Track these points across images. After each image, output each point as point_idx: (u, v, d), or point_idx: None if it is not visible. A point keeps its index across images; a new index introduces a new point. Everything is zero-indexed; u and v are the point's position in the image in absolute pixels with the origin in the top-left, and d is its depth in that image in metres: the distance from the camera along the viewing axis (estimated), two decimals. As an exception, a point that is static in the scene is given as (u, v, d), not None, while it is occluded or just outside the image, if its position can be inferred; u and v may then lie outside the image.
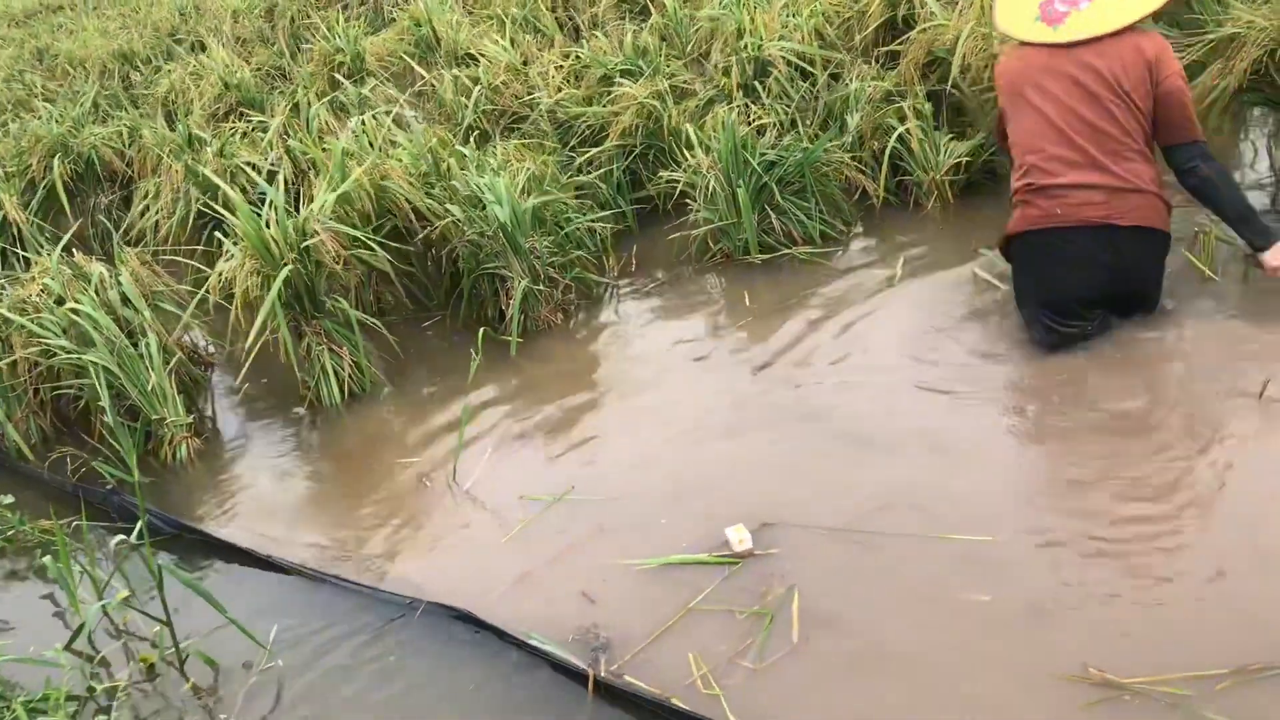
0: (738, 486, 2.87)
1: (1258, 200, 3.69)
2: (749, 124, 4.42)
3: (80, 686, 2.62)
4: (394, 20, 7.86)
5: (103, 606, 2.85)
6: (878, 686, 2.16)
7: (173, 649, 2.67)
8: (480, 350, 3.72)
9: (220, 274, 3.80)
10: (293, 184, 4.81)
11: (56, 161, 5.78)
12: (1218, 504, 2.41)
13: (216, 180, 4.05)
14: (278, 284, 3.66)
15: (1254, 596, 2.14)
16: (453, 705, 2.41)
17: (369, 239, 3.99)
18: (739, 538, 2.60)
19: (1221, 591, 2.17)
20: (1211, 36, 3.62)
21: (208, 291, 3.84)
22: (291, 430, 3.82)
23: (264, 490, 3.49)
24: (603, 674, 2.31)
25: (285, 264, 3.71)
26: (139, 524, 2.93)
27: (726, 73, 4.92)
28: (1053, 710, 2.00)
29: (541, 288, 4.02)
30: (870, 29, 4.77)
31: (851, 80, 4.58)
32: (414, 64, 6.39)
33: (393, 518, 3.15)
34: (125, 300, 3.93)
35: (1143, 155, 3.05)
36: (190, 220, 4.84)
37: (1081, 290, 3.10)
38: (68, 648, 2.79)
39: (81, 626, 2.84)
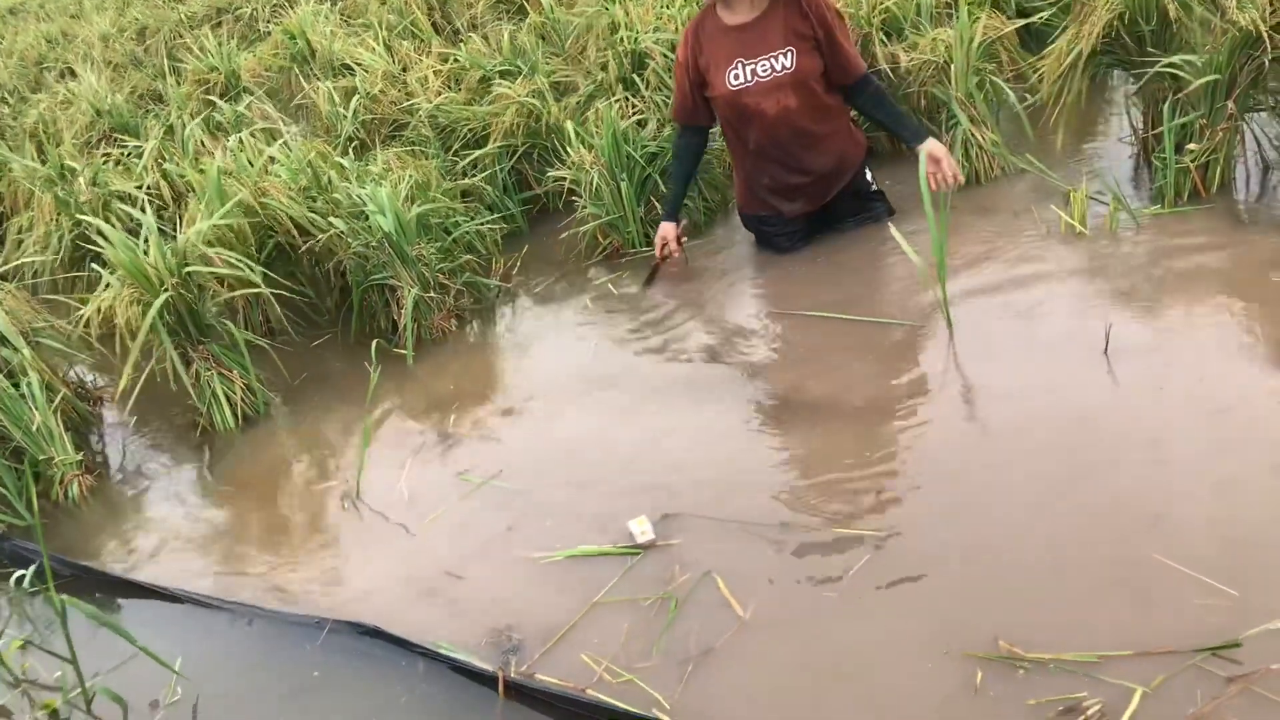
0: (637, 478, 2.89)
1: (1123, 156, 3.84)
2: (629, 117, 4.45)
3: (-22, 740, 2.56)
4: (269, 34, 7.73)
5: (-2, 653, 2.77)
6: (783, 669, 2.18)
7: (78, 690, 2.61)
8: (376, 363, 3.68)
9: (98, 305, 3.71)
10: (170, 208, 4.73)
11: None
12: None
13: (88, 216, 3.94)
14: (153, 311, 3.57)
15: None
16: (383, 715, 2.38)
17: (243, 263, 3.92)
18: (641, 529, 2.63)
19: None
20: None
21: (86, 324, 3.74)
22: (187, 459, 3.74)
23: (162, 522, 3.42)
24: (513, 675, 2.31)
25: (165, 290, 3.64)
26: (34, 566, 2.86)
27: (604, 67, 4.94)
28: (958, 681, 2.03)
29: (433, 295, 4.00)
30: (742, 15, 4.83)
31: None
32: (294, 77, 6.30)
33: (297, 538, 3.11)
34: (2, 340, 3.81)
35: None
36: (67, 253, 4.71)
37: None
38: (-36, 701, 2.71)
39: (-22, 678, 2.76)
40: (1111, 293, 3.06)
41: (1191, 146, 3.36)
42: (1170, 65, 3.38)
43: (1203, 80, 3.26)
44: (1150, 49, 3.53)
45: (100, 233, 3.76)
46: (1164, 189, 3.43)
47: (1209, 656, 1.90)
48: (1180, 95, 3.40)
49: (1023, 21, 4.36)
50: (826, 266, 3.74)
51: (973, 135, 3.88)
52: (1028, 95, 4.10)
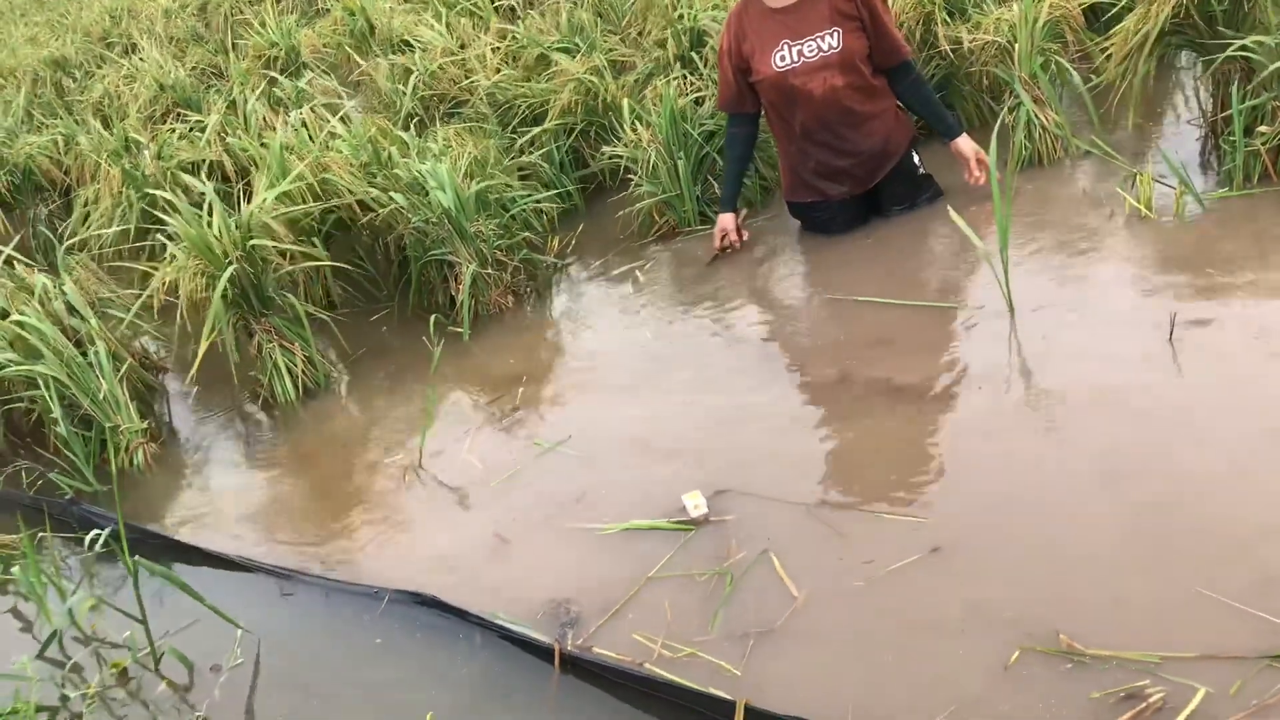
0: (693, 454, 2.90)
1: (1190, 139, 3.77)
2: (687, 95, 4.44)
3: (52, 697, 2.63)
4: (328, 10, 7.80)
5: (71, 612, 2.85)
6: (841, 652, 2.18)
7: (146, 650, 2.68)
8: (435, 339, 3.72)
9: (164, 277, 3.78)
10: (234, 182, 4.80)
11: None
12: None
13: (157, 191, 4.00)
14: (221, 284, 3.64)
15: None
16: (441, 683, 2.42)
17: (306, 250, 3.98)
18: (694, 503, 2.64)
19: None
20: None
21: (152, 295, 3.81)
22: (248, 429, 3.82)
23: (223, 491, 3.49)
24: (569, 648, 2.34)
25: (229, 263, 3.70)
26: (107, 530, 2.93)
27: (663, 45, 4.93)
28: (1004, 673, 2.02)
29: (490, 271, 4.03)
30: (803, -7, 4.79)
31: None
32: (353, 53, 6.35)
33: (358, 509, 3.16)
34: (71, 310, 3.90)
35: None
36: (134, 224, 4.79)
37: None
38: (40, 656, 2.79)
39: (53, 635, 2.84)
40: (1177, 278, 3.01)
41: (1263, 129, 3.29)
42: (1242, 48, 3.31)
43: (1276, 66, 3.19)
44: (1221, 29, 3.46)
45: (169, 205, 3.83)
46: (1232, 172, 3.36)
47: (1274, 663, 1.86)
48: (1254, 83, 3.32)
49: (1089, 0, 4.29)
50: (880, 249, 3.71)
51: (1036, 117, 3.82)
52: (1093, 76, 4.02)
